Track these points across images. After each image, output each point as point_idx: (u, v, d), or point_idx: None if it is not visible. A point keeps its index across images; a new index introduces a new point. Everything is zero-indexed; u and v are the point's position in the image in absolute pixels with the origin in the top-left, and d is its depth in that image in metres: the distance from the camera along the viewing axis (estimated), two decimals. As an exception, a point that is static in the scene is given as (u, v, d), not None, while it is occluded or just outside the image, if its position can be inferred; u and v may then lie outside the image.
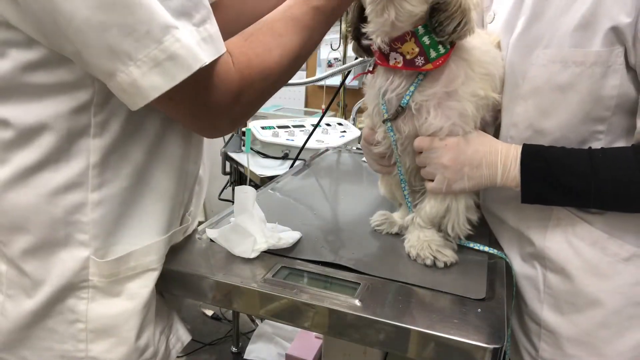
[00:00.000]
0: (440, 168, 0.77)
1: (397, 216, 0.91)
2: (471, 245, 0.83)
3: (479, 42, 0.79)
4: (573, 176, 0.72)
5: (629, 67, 0.69)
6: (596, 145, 0.74)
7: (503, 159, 0.76)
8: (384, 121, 0.80)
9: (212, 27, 0.59)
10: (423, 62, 0.73)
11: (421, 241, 0.80)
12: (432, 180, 0.79)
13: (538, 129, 0.76)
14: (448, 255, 0.78)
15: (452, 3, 0.69)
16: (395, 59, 0.75)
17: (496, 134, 0.85)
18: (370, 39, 0.76)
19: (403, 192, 0.87)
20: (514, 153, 0.75)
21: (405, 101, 0.76)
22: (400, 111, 0.77)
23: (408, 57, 0.74)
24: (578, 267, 0.77)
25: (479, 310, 0.67)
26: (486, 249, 0.83)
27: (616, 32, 0.67)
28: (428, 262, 0.78)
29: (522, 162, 0.74)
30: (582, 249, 0.77)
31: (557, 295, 0.80)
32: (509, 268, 0.83)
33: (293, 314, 0.69)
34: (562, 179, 0.72)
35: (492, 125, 0.87)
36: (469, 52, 0.77)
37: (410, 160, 0.83)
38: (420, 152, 0.79)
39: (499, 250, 0.85)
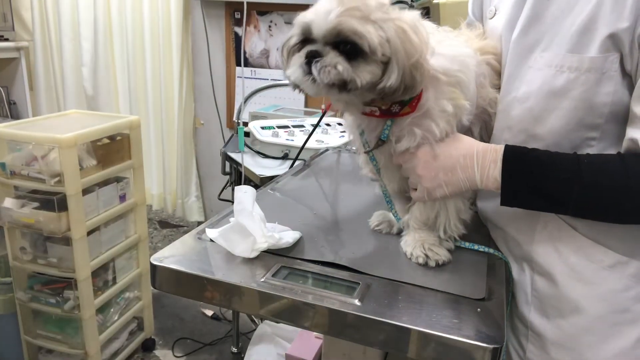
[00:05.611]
0: (417, 178, 0.77)
1: (396, 216, 0.92)
2: (467, 245, 0.83)
3: (449, 49, 0.75)
4: (555, 182, 0.69)
5: (625, 74, 0.68)
6: (588, 152, 0.72)
7: (480, 161, 0.73)
8: (365, 152, 0.82)
9: None
10: (399, 108, 0.73)
11: (415, 240, 0.81)
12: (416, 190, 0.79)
13: (531, 134, 0.75)
14: (440, 254, 0.78)
15: (394, 86, 0.68)
16: (371, 109, 0.75)
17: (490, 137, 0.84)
18: None
19: (390, 210, 0.88)
20: (493, 155, 0.72)
21: (385, 135, 0.77)
22: (380, 144, 0.78)
23: (384, 107, 0.74)
24: (563, 272, 0.77)
25: (479, 310, 0.67)
26: (485, 249, 0.83)
27: (613, 39, 0.66)
28: (420, 260, 0.78)
29: (503, 164, 0.71)
30: (567, 255, 0.77)
31: (543, 298, 0.80)
32: (507, 268, 0.83)
33: (293, 314, 0.69)
34: (543, 183, 0.70)
35: (475, 129, 0.86)
36: (434, 66, 0.73)
37: (397, 176, 0.84)
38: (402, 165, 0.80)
39: (498, 251, 0.85)
